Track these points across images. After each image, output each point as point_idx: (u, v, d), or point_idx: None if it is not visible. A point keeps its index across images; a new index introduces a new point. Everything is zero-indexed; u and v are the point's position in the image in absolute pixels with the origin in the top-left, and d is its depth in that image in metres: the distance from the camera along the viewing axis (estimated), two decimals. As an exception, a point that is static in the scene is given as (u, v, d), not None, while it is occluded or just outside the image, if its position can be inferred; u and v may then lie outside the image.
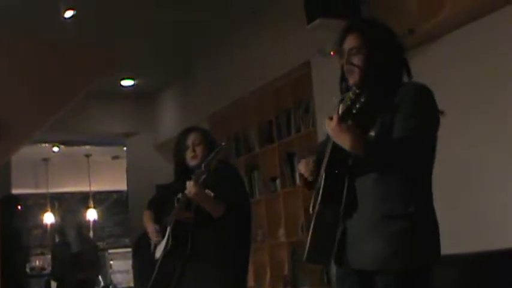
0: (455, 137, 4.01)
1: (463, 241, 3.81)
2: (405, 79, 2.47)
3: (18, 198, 7.18)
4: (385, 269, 2.31)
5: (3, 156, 5.99)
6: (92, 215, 11.96)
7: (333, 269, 2.55)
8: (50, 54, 5.49)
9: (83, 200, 12.23)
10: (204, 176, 3.24)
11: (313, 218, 2.41)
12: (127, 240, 11.20)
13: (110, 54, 6.11)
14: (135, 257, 7.18)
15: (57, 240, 8.39)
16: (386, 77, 2.41)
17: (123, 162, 9.39)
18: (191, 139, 3.52)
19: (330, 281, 5.25)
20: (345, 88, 2.48)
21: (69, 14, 5.51)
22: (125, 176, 9.08)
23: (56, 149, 10.66)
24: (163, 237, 3.53)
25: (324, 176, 2.39)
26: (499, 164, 3.94)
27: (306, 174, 2.51)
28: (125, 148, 9.20)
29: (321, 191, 2.39)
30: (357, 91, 2.22)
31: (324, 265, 3.63)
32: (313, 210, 2.43)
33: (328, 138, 2.41)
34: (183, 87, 7.85)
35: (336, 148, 2.35)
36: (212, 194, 3.33)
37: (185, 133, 3.58)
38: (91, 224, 11.88)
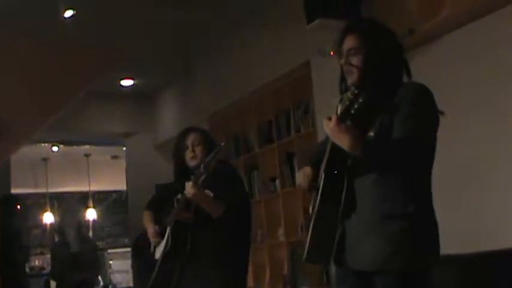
0: (455, 137, 4.01)
1: (462, 241, 3.81)
2: (405, 79, 2.48)
3: (17, 198, 7.17)
4: (384, 269, 2.31)
5: (3, 156, 5.98)
6: (91, 214, 11.95)
7: (333, 269, 2.55)
8: (50, 54, 5.48)
9: (83, 199, 12.22)
10: (203, 177, 3.24)
11: (313, 218, 2.41)
12: (126, 240, 11.20)
13: (110, 54, 6.10)
14: (135, 256, 7.18)
15: (56, 239, 8.38)
16: (385, 77, 2.41)
17: (123, 162, 9.39)
18: (190, 139, 3.52)
19: (330, 281, 5.25)
20: (344, 88, 2.48)
21: (68, 13, 5.50)
22: (125, 176, 9.08)
23: (55, 148, 10.65)
24: (162, 237, 3.53)
25: (323, 177, 2.39)
26: (499, 164, 3.94)
27: (304, 186, 2.52)
28: (124, 148, 9.19)
29: (320, 191, 2.39)
30: (355, 91, 2.22)
31: (324, 265, 3.64)
32: (312, 210, 2.44)
33: (327, 138, 2.41)
34: (182, 87, 7.85)
35: (335, 148, 2.35)
36: (212, 195, 3.33)
37: (184, 133, 3.58)
38: (90, 223, 11.87)
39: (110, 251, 11.51)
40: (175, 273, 3.44)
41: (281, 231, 6.07)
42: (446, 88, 4.04)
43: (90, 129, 8.67)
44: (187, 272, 3.42)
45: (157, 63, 7.30)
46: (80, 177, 11.71)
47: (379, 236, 2.31)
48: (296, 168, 5.83)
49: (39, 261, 10.55)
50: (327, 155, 2.40)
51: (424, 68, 3.95)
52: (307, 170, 2.54)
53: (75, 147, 10.83)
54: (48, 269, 9.02)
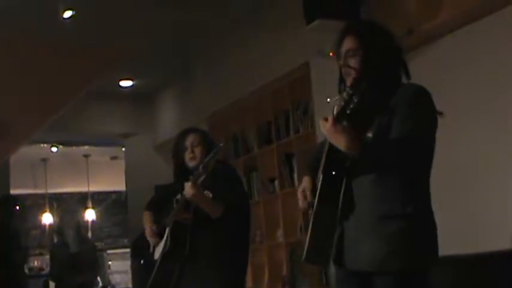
0: (454, 138, 4.01)
1: (461, 242, 3.81)
2: (404, 80, 2.48)
3: (16, 199, 7.17)
4: (383, 270, 2.31)
5: (3, 156, 5.99)
6: (90, 215, 11.95)
7: (332, 269, 2.56)
8: (50, 55, 5.49)
9: (82, 200, 12.22)
10: (202, 177, 3.24)
11: (311, 219, 2.42)
12: (125, 241, 11.19)
13: (109, 54, 6.12)
14: (134, 257, 7.18)
15: (55, 240, 8.38)
16: (383, 78, 2.41)
17: (122, 163, 9.39)
18: (190, 140, 3.52)
19: (329, 282, 5.24)
20: (343, 89, 2.48)
21: (68, 14, 5.50)
22: (124, 177, 9.07)
23: (54, 149, 10.64)
24: (161, 237, 3.53)
25: (321, 178, 2.40)
26: (499, 165, 3.94)
27: (304, 207, 2.52)
28: (123, 148, 9.19)
29: (318, 192, 2.39)
30: (350, 92, 2.23)
31: (323, 266, 3.63)
32: (311, 211, 2.44)
33: (326, 138, 2.42)
34: (182, 88, 7.85)
35: (332, 149, 2.35)
36: (211, 195, 3.33)
37: (184, 134, 3.58)
38: (89, 224, 11.86)
39: (109, 251, 11.52)
40: (174, 273, 3.44)
41: (280, 232, 6.07)
42: (446, 89, 4.05)
43: (89, 130, 8.67)
44: (186, 273, 3.42)
45: (157, 64, 7.30)
46: (79, 178, 11.71)
47: (377, 236, 2.31)
48: (295, 169, 5.83)
49: (38, 262, 10.56)
50: (324, 156, 2.40)
51: (424, 68, 3.96)
52: (307, 187, 2.52)
53: (74, 147, 10.82)
54: (47, 270, 9.03)
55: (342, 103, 2.23)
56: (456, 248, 3.51)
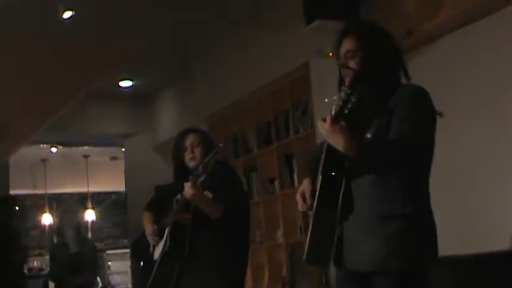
0: (454, 138, 4.02)
1: (460, 242, 3.81)
2: (403, 81, 2.48)
3: (16, 199, 7.17)
4: (382, 270, 2.31)
5: (2, 157, 5.99)
6: (90, 215, 11.95)
7: (332, 270, 2.56)
8: (50, 55, 5.49)
9: (81, 200, 12.22)
10: (202, 177, 3.25)
11: (311, 220, 2.42)
12: (125, 241, 11.19)
13: (109, 54, 6.12)
14: (134, 258, 7.18)
15: (55, 241, 8.38)
16: (382, 79, 2.42)
17: (122, 163, 9.38)
18: (189, 140, 3.52)
19: (329, 282, 5.25)
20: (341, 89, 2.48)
21: (68, 14, 5.50)
22: (123, 177, 9.07)
23: (54, 149, 10.64)
24: (161, 238, 3.53)
25: (320, 178, 2.40)
26: (498, 165, 3.94)
27: (303, 210, 2.52)
28: (123, 149, 9.19)
29: (317, 193, 2.39)
30: (348, 91, 2.23)
31: (324, 267, 3.63)
32: (311, 212, 2.44)
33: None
34: (181, 88, 7.85)
35: (331, 150, 2.35)
36: (211, 196, 3.33)
37: (183, 134, 3.59)
38: (89, 224, 11.86)
39: (108, 252, 11.51)
40: (174, 273, 3.44)
41: (280, 233, 6.07)
42: (445, 89, 4.05)
43: (89, 130, 8.66)
44: (185, 273, 3.42)
45: (156, 64, 7.30)
46: (79, 178, 11.71)
47: (377, 236, 2.31)
48: (295, 170, 5.83)
49: (37, 262, 10.55)
50: (323, 156, 2.40)
51: (423, 69, 3.96)
52: (306, 190, 2.52)
53: (74, 148, 10.82)
54: (46, 270, 9.02)
55: (340, 103, 2.24)
56: (456, 249, 3.51)
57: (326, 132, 2.30)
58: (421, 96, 2.39)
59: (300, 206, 2.53)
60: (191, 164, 3.46)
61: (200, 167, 3.21)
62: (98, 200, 12.75)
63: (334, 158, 2.36)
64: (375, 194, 2.34)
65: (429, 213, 2.40)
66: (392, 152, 2.30)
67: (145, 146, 8.45)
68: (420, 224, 2.34)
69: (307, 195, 2.49)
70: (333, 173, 2.39)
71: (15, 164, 8.43)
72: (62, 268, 6.83)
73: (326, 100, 2.37)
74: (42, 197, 12.05)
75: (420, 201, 2.37)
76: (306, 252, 2.44)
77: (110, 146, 10.24)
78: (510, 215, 3.81)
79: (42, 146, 10.23)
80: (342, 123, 2.26)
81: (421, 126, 2.33)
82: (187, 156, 3.49)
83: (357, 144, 2.28)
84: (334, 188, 2.38)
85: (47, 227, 11.85)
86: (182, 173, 3.49)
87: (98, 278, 7.89)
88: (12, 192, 8.27)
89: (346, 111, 2.23)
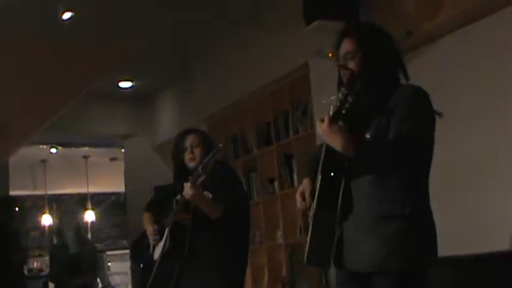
0: (454, 138, 4.02)
1: (460, 243, 3.81)
2: (403, 81, 2.49)
3: (16, 200, 7.18)
4: (382, 270, 2.31)
5: (2, 157, 5.99)
6: (89, 216, 11.95)
7: (332, 270, 2.56)
8: (50, 55, 5.49)
9: (81, 201, 12.22)
10: (202, 178, 3.25)
11: (311, 221, 2.42)
12: (125, 242, 11.18)
13: (109, 55, 6.12)
14: (133, 258, 7.18)
15: (55, 241, 8.38)
16: (381, 80, 2.42)
17: (121, 164, 9.39)
18: (189, 141, 3.52)
19: (328, 283, 5.25)
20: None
21: (67, 15, 5.50)
22: (123, 178, 9.07)
23: (53, 150, 10.65)
24: (161, 238, 3.53)
25: (320, 178, 2.40)
26: (498, 166, 3.94)
27: (302, 208, 2.52)
28: (123, 150, 9.19)
29: (316, 194, 2.40)
30: (345, 92, 2.23)
31: (324, 267, 3.63)
32: (311, 212, 2.44)
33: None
34: (181, 89, 7.85)
35: (331, 150, 2.35)
36: (210, 196, 3.33)
37: (183, 135, 3.59)
38: (89, 225, 11.86)
39: (108, 253, 11.50)
40: (173, 274, 3.44)
41: (280, 233, 6.07)
42: (445, 90, 4.05)
43: (88, 131, 8.66)
44: (185, 273, 3.42)
45: (156, 65, 7.30)
46: (79, 179, 11.71)
47: (376, 237, 2.32)
48: (295, 170, 5.83)
49: (37, 263, 10.54)
50: (322, 156, 2.40)
51: (423, 69, 3.96)
52: (306, 189, 2.52)
53: (73, 149, 10.82)
54: (46, 271, 9.01)
55: (338, 103, 2.24)
56: (455, 249, 3.51)
57: (324, 132, 2.30)
58: (420, 97, 2.40)
59: (299, 204, 2.53)
60: (191, 165, 3.46)
61: (200, 167, 3.21)
62: (97, 200, 12.75)
63: (334, 158, 2.36)
64: (374, 194, 2.34)
65: (429, 213, 2.40)
66: (390, 152, 2.30)
67: (145, 146, 8.45)
68: (420, 224, 2.34)
69: (307, 194, 2.50)
70: (333, 174, 2.39)
71: (15, 164, 8.44)
72: (61, 269, 6.83)
73: (324, 101, 2.37)
74: (42, 197, 12.05)
75: (420, 201, 2.38)
76: (306, 253, 2.44)
77: (110, 146, 10.25)
78: (510, 215, 3.81)
79: (41, 146, 10.23)
80: (340, 123, 2.26)
81: (420, 127, 2.33)
82: (187, 156, 3.49)
83: (355, 145, 2.28)
84: (334, 189, 2.38)
85: (46, 228, 11.85)
86: (182, 173, 3.48)
87: (98, 279, 7.89)
88: (12, 193, 8.26)
89: (343, 112, 2.23)
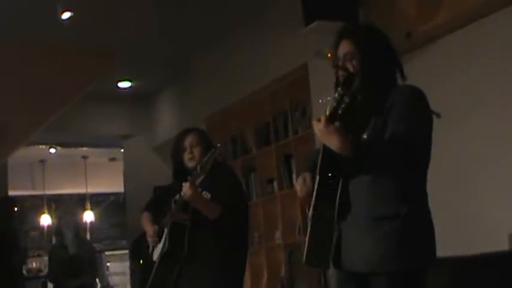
0: (453, 138, 4.02)
1: (459, 243, 3.81)
2: (400, 81, 2.49)
3: (15, 200, 7.18)
4: (380, 271, 2.31)
5: (1, 157, 5.99)
6: (88, 216, 11.95)
7: (331, 271, 2.56)
8: (49, 55, 5.49)
9: (80, 201, 12.22)
10: (201, 178, 3.25)
11: (310, 221, 2.42)
12: (124, 242, 11.18)
13: (108, 55, 6.12)
14: (132, 258, 7.18)
15: (54, 242, 8.38)
16: (379, 80, 2.43)
17: (120, 164, 9.39)
18: (188, 140, 3.52)
19: (327, 283, 5.25)
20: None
21: (67, 15, 5.51)
22: (122, 178, 9.07)
23: (52, 150, 10.65)
24: (160, 238, 3.53)
25: (317, 180, 2.40)
26: (497, 167, 3.94)
27: (302, 194, 2.52)
28: (122, 150, 9.19)
29: (314, 194, 2.40)
30: (341, 92, 2.24)
31: (323, 268, 3.63)
32: (309, 213, 2.44)
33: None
34: (180, 89, 7.85)
35: (328, 151, 2.36)
36: (209, 196, 3.33)
37: (182, 134, 3.59)
38: (88, 225, 11.86)
39: (107, 253, 11.52)
40: (173, 274, 3.44)
41: (278, 234, 6.07)
42: (444, 90, 4.05)
43: (87, 131, 8.66)
44: (184, 273, 3.42)
45: (155, 65, 7.30)
46: (78, 179, 11.71)
47: (373, 237, 2.32)
48: (294, 170, 5.83)
49: (36, 263, 10.55)
50: (320, 157, 2.41)
51: (422, 70, 3.97)
52: (307, 177, 2.53)
53: (72, 149, 10.83)
54: (45, 271, 9.02)
55: (334, 104, 2.24)
56: (454, 249, 3.51)
57: (321, 132, 2.30)
58: (417, 97, 2.40)
59: (299, 187, 2.51)
60: (190, 164, 3.46)
61: (198, 167, 3.21)
62: (96, 201, 12.75)
63: (331, 159, 2.36)
64: (371, 195, 2.35)
65: (426, 214, 2.41)
66: (386, 152, 2.30)
67: (144, 146, 8.45)
68: (417, 225, 2.35)
69: (308, 179, 2.49)
70: (330, 174, 2.39)
71: (14, 164, 8.45)
72: (60, 269, 6.84)
73: (320, 101, 2.37)
74: (41, 198, 12.05)
75: (417, 202, 2.38)
76: (305, 253, 2.45)
77: (109, 147, 10.25)
78: (508, 215, 3.81)
79: (41, 146, 10.23)
80: (337, 123, 2.26)
81: (416, 127, 2.34)
82: (187, 156, 3.49)
83: (352, 145, 2.28)
84: (332, 189, 2.38)
85: (45, 228, 11.85)
86: (181, 173, 3.48)
87: (97, 279, 7.90)
88: (10, 193, 8.27)
89: (339, 112, 2.24)
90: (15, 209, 6.83)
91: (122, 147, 9.12)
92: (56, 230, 8.25)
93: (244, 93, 6.35)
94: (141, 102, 8.38)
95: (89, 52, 6.02)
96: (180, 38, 6.49)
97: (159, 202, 3.72)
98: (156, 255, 3.54)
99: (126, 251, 9.07)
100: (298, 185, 2.53)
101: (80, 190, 12.09)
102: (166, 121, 8.15)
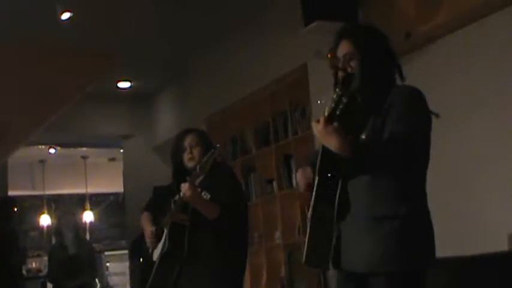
0: (452, 139, 4.02)
1: (458, 244, 3.81)
2: (398, 82, 2.50)
3: (14, 200, 7.18)
4: (379, 271, 2.32)
5: (1, 157, 5.99)
6: (88, 217, 11.95)
7: (331, 271, 2.56)
8: (49, 56, 5.49)
9: (80, 201, 12.22)
10: (200, 178, 3.25)
11: (309, 222, 2.42)
12: (123, 242, 11.18)
13: (108, 55, 6.12)
14: (132, 259, 7.18)
15: (53, 242, 8.38)
16: (378, 81, 2.44)
17: (120, 164, 9.39)
18: (188, 141, 3.52)
19: (327, 283, 5.25)
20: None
21: (66, 15, 5.51)
22: (122, 178, 9.07)
23: (52, 150, 10.65)
24: (160, 239, 3.53)
25: (317, 180, 2.40)
26: (497, 167, 3.94)
27: (303, 188, 2.52)
28: (121, 150, 9.19)
29: (313, 195, 2.40)
30: (339, 93, 2.24)
31: (323, 268, 3.64)
32: (309, 213, 2.44)
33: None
34: (180, 89, 7.85)
35: (327, 151, 2.36)
36: (208, 196, 3.33)
37: (182, 135, 3.59)
38: (88, 226, 11.86)
39: (107, 253, 11.52)
40: (172, 274, 3.44)
41: (278, 234, 6.07)
42: (444, 91, 4.05)
43: (87, 131, 8.66)
44: (184, 274, 3.42)
45: (155, 65, 7.31)
46: (77, 180, 11.71)
47: (373, 237, 2.32)
48: (293, 170, 5.83)
49: (36, 263, 10.55)
50: (319, 157, 2.41)
51: (422, 70, 3.97)
52: (307, 170, 2.53)
53: (72, 149, 10.83)
54: (45, 272, 9.01)
55: (332, 104, 2.25)
56: (453, 250, 3.51)
57: (319, 133, 2.31)
58: (415, 97, 2.41)
59: (299, 177, 2.51)
60: (190, 165, 3.46)
61: (198, 167, 3.21)
62: (96, 201, 12.75)
63: (330, 159, 2.37)
64: (370, 195, 2.35)
65: (426, 214, 2.41)
66: (385, 152, 2.31)
67: (144, 147, 8.45)
68: (416, 225, 2.35)
69: (309, 171, 2.50)
70: (329, 175, 2.39)
71: (14, 165, 8.45)
72: (60, 269, 6.84)
73: (319, 102, 2.38)
74: (40, 198, 12.05)
75: (416, 202, 2.38)
76: (304, 253, 2.45)
77: (109, 147, 10.25)
78: (508, 215, 3.81)
79: (40, 147, 10.23)
80: (335, 124, 2.26)
81: (415, 127, 2.34)
82: (186, 156, 3.49)
83: (351, 145, 2.28)
84: (331, 189, 2.39)
85: (45, 228, 11.85)
86: (181, 173, 3.48)
87: (96, 279, 7.90)
88: (10, 193, 8.28)
89: (338, 113, 2.24)
90: (15, 209, 6.83)
91: (121, 148, 9.12)
92: (55, 230, 8.24)
93: (244, 94, 6.36)
94: (140, 102, 8.38)
95: (88, 52, 6.02)
96: (180, 38, 6.49)
97: (159, 202, 3.72)
98: (156, 256, 3.54)
99: (126, 251, 9.07)
100: (299, 175, 2.53)
101: (80, 190, 12.09)
102: (166, 121, 8.15)
